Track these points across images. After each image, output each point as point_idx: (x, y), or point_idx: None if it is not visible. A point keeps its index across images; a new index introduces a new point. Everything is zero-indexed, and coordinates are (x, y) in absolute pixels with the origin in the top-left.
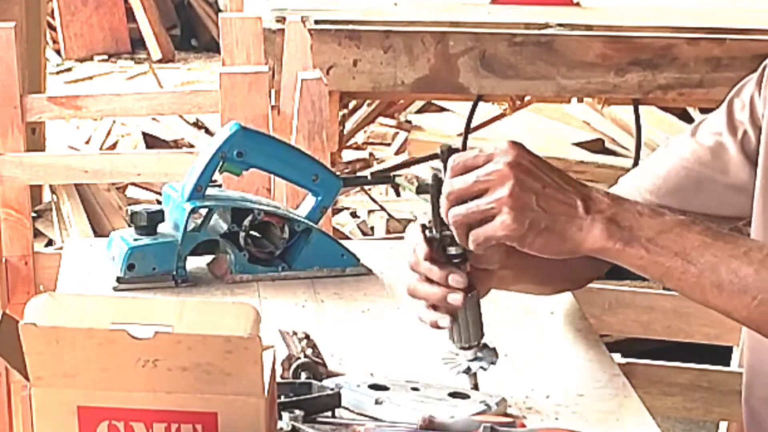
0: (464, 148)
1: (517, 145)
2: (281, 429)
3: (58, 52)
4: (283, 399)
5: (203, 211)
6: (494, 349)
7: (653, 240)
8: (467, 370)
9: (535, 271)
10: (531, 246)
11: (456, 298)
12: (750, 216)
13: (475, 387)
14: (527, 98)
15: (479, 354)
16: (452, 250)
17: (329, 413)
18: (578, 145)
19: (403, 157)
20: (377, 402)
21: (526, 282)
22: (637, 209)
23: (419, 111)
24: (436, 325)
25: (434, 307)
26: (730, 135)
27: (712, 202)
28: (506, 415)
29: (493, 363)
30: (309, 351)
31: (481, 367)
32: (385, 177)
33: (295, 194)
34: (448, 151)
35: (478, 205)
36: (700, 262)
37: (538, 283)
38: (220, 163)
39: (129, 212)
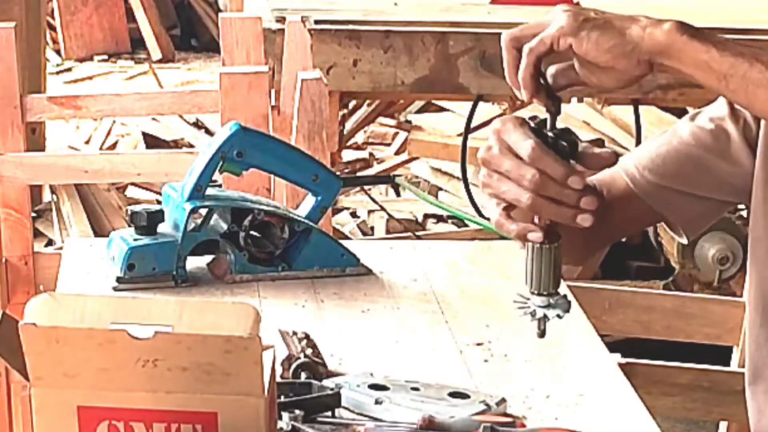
0: (464, 148)
1: (570, 8)
2: (281, 429)
3: (58, 52)
4: (283, 399)
5: (203, 211)
6: (567, 298)
7: (719, 39)
8: (537, 314)
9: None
10: (588, 41)
11: (585, 218)
12: (748, 202)
13: (542, 334)
14: None
15: (551, 301)
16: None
17: (329, 413)
18: None
19: (403, 157)
20: (377, 402)
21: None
22: (702, 30)
23: (419, 111)
24: (523, 237)
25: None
26: (732, 122)
27: (712, 184)
28: (506, 415)
29: (567, 311)
30: (309, 351)
31: (557, 315)
32: (385, 177)
33: (295, 194)
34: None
35: (542, 36)
36: (765, 58)
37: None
38: (220, 163)
39: (129, 212)
